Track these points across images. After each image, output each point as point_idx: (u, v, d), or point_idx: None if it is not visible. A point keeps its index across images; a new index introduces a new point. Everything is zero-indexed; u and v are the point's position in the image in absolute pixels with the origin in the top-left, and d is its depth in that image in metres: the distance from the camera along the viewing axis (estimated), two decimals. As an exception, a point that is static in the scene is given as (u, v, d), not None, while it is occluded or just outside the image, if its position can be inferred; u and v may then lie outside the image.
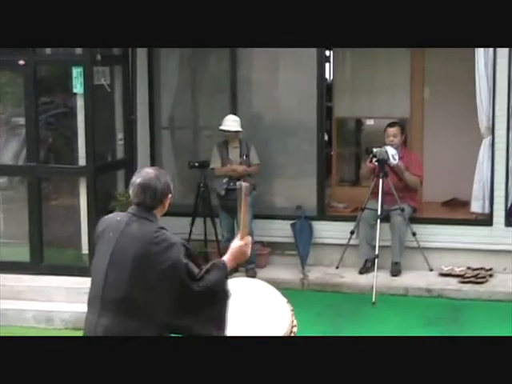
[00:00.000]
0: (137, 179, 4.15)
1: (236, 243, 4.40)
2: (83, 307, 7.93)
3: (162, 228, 4.13)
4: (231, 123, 9.06)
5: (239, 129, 9.10)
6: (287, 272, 9.20)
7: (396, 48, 9.86)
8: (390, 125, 9.44)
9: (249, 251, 4.44)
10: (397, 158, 9.01)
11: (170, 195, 4.22)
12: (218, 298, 4.15)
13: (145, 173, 4.18)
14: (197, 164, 9.30)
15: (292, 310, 4.79)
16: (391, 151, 8.96)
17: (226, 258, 4.36)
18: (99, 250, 4.17)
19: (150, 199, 4.13)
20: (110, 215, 4.34)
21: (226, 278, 4.22)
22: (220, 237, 9.31)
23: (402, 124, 9.63)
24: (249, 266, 8.96)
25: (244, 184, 4.54)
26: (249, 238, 4.42)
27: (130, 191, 4.20)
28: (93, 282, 4.20)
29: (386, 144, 9.16)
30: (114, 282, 4.03)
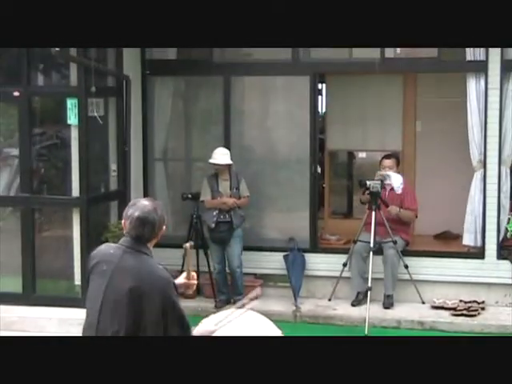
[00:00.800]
0: (135, 212, 4.13)
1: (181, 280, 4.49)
2: (75, 339, 8.02)
3: (155, 262, 4.15)
4: (220, 156, 9.08)
5: (229, 162, 9.12)
6: (280, 304, 9.18)
7: (388, 79, 10.00)
8: (386, 156, 9.49)
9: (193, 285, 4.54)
10: (401, 186, 9.10)
11: (164, 226, 4.24)
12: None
13: (142, 206, 4.16)
14: (190, 195, 9.31)
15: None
16: (398, 179, 9.05)
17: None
18: (93, 283, 4.15)
19: (149, 233, 4.13)
20: (103, 247, 4.31)
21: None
22: (212, 268, 9.32)
23: (397, 156, 9.66)
24: (237, 297, 8.97)
25: (188, 244, 4.74)
26: (193, 275, 4.51)
27: (126, 223, 4.18)
28: (87, 314, 4.19)
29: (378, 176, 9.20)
30: (109, 315, 4.03)
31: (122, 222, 4.22)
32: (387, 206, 9.04)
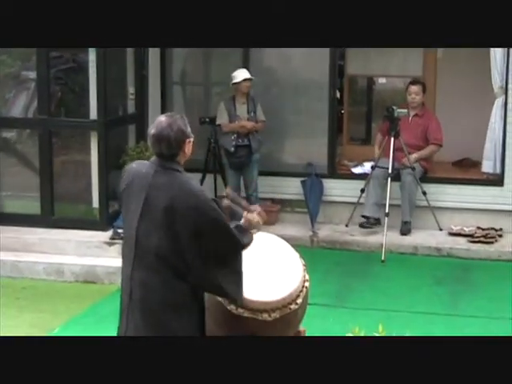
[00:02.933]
0: (151, 130, 4.13)
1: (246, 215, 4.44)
2: (93, 260, 8.16)
3: (188, 178, 4.13)
4: (244, 73, 8.98)
5: (250, 76, 8.99)
6: (297, 229, 9.21)
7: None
8: (413, 82, 9.39)
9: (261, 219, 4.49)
10: None
11: (187, 140, 4.15)
12: (238, 252, 4.18)
13: (158, 122, 4.14)
14: (208, 120, 9.26)
15: (304, 265, 4.81)
16: None
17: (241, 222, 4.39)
18: (128, 204, 4.15)
19: (166, 149, 4.10)
20: (134, 165, 4.30)
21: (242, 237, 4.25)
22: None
23: (424, 83, 9.54)
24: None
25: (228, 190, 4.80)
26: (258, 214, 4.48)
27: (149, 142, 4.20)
28: (125, 236, 4.21)
29: (398, 103, 9.14)
30: (147, 234, 4.04)
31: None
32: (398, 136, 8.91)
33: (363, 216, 8.98)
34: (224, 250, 4.11)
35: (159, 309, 4.06)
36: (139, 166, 4.26)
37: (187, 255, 4.00)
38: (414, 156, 9.11)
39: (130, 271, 4.09)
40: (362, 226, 9.01)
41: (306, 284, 4.71)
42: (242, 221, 4.41)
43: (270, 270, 4.67)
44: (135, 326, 4.09)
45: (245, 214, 4.45)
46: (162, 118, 4.16)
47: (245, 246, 4.24)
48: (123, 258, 4.20)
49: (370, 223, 8.95)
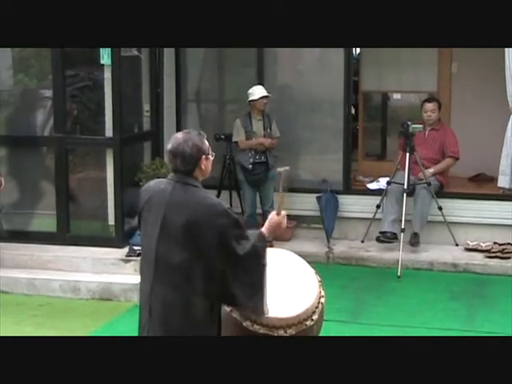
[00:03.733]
0: (168, 145, 4.18)
1: (273, 216, 4.43)
2: (109, 278, 8.16)
3: (206, 193, 4.17)
4: (261, 90, 9.00)
5: (267, 94, 9.01)
6: (312, 245, 9.20)
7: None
8: (428, 100, 9.39)
9: (285, 223, 4.48)
10: None
11: (204, 156, 4.17)
12: (259, 265, 4.19)
13: (174, 138, 4.19)
14: (223, 136, 9.29)
15: (320, 281, 4.81)
16: None
17: (263, 229, 4.37)
18: (147, 220, 4.18)
19: (181, 164, 4.13)
20: (152, 183, 4.33)
21: (265, 246, 4.25)
22: (244, 210, 9.32)
23: (438, 100, 9.53)
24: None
25: (283, 169, 4.73)
26: (284, 213, 4.46)
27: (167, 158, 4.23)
28: (144, 252, 4.22)
29: (413, 118, 9.14)
30: (166, 250, 4.06)
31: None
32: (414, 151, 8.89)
33: (381, 232, 8.93)
34: (245, 262, 4.12)
35: (180, 326, 4.08)
36: (156, 183, 4.29)
37: (211, 267, 4.02)
38: (431, 171, 9.09)
39: (150, 288, 4.11)
40: (378, 240, 8.95)
41: (322, 300, 4.71)
42: (267, 224, 4.41)
43: (285, 286, 4.67)
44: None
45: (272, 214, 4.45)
46: (179, 135, 4.21)
47: (264, 255, 4.23)
48: (141, 274, 4.22)
49: (388, 237, 8.91)
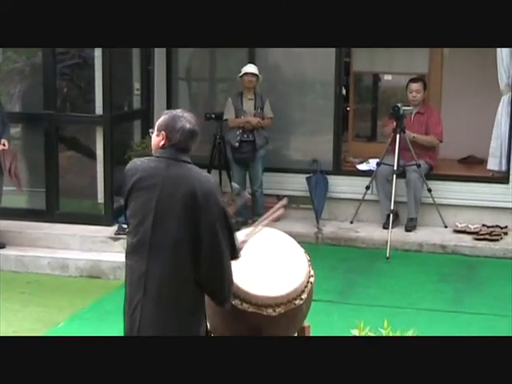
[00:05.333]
0: (186, 124, 4.15)
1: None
2: (98, 255, 8.16)
3: (199, 169, 4.19)
4: (252, 68, 9.01)
5: (257, 72, 9.01)
6: (302, 226, 9.20)
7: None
8: (413, 80, 9.38)
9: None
10: None
11: None
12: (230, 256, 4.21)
13: (190, 118, 4.20)
14: (213, 115, 9.27)
15: (309, 261, 4.81)
16: None
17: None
18: (139, 200, 4.12)
19: (193, 144, 4.20)
20: (138, 162, 4.24)
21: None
22: (231, 189, 9.32)
23: (424, 80, 9.54)
24: (256, 217, 9.02)
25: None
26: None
27: (171, 135, 4.14)
28: (136, 231, 4.13)
29: (403, 100, 9.14)
30: (165, 227, 4.04)
31: (163, 133, 4.16)
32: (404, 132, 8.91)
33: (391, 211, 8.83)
34: (225, 242, 4.13)
35: (175, 304, 4.07)
36: (144, 162, 4.23)
37: (203, 244, 4.02)
38: (413, 135, 9.05)
39: (145, 266, 4.08)
40: (385, 227, 8.93)
41: (311, 279, 4.71)
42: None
43: (274, 264, 4.67)
44: (150, 321, 4.09)
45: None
46: (188, 114, 4.24)
47: (237, 252, 4.26)
48: (133, 253, 4.15)
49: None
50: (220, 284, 4.12)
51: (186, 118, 4.19)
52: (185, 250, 4.03)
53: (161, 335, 4.03)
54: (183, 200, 4.02)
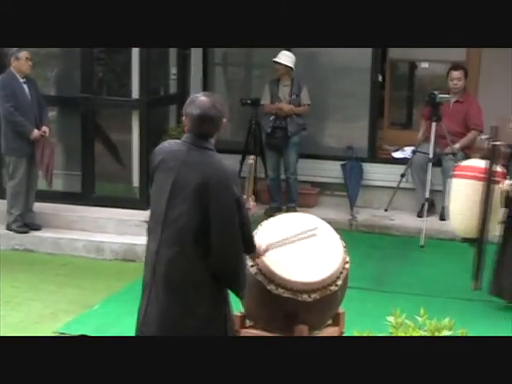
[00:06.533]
0: (195, 110, 4.13)
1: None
2: (133, 239, 8.20)
3: (220, 157, 4.17)
4: (285, 58, 8.99)
5: (290, 65, 9.01)
6: (336, 213, 9.19)
7: None
8: (454, 67, 9.29)
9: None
10: None
11: (224, 119, 4.23)
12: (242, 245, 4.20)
13: (201, 102, 4.14)
14: (249, 101, 9.27)
15: (344, 247, 4.81)
16: None
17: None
18: (159, 181, 4.19)
19: (210, 129, 4.15)
20: (166, 144, 4.33)
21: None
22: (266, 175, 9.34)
23: (465, 68, 9.45)
24: (290, 204, 9.08)
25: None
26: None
27: (186, 120, 4.19)
28: (153, 212, 4.23)
29: (440, 88, 9.07)
30: (176, 211, 4.07)
31: (183, 118, 4.22)
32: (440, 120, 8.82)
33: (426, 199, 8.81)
34: (236, 232, 4.12)
35: (182, 286, 4.10)
36: (171, 145, 4.29)
37: (212, 232, 4.02)
38: (457, 146, 9.02)
39: (157, 247, 4.13)
40: (419, 216, 8.92)
41: (347, 266, 4.71)
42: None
43: (310, 250, 4.67)
44: (158, 301, 4.14)
45: None
46: (204, 98, 4.18)
47: (249, 246, 4.27)
48: (149, 233, 4.23)
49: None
50: (232, 274, 4.15)
51: (196, 103, 4.15)
52: (193, 235, 4.05)
53: (165, 318, 4.09)
54: (196, 186, 4.03)
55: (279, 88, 9.16)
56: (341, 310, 4.84)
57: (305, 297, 4.44)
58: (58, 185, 9.13)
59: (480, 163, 6.86)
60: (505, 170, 6.80)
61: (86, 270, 7.80)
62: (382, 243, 8.62)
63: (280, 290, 4.42)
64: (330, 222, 5.13)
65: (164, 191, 4.12)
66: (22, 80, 8.23)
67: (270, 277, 4.39)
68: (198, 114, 4.12)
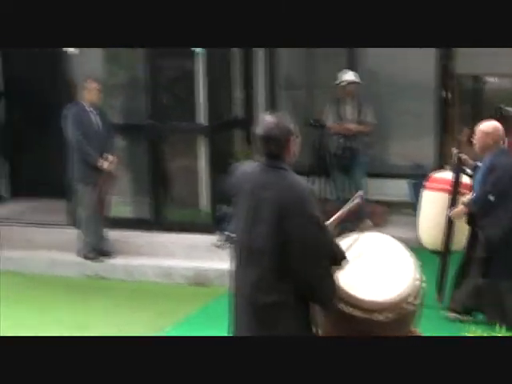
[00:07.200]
0: (258, 130, 4.16)
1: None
2: (202, 263, 8.22)
3: (295, 176, 4.15)
4: (350, 76, 8.99)
5: (357, 80, 9.00)
6: (404, 231, 9.05)
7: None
8: None
9: None
10: None
11: (293, 137, 4.17)
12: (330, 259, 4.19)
13: (264, 123, 4.17)
14: (314, 122, 9.28)
15: (417, 264, 4.74)
16: None
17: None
18: (237, 204, 4.22)
19: (275, 149, 4.13)
20: (242, 167, 4.37)
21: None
22: (333, 196, 9.29)
23: None
24: (359, 223, 9.01)
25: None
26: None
27: (256, 142, 4.22)
28: (236, 236, 4.25)
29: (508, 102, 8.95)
30: (256, 233, 4.07)
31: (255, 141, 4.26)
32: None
33: None
34: (319, 252, 4.09)
35: (267, 307, 4.08)
36: (246, 167, 4.32)
37: (292, 252, 4.01)
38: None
39: (240, 270, 4.15)
40: None
41: (420, 283, 4.65)
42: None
43: (381, 268, 4.62)
44: (246, 324, 4.14)
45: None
46: (268, 118, 4.20)
47: (337, 259, 4.24)
48: (233, 257, 4.26)
49: None
50: (315, 292, 4.12)
51: (260, 124, 4.18)
52: (273, 257, 4.03)
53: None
54: (273, 208, 4.03)
55: (343, 108, 9.15)
56: (415, 328, 4.77)
57: (378, 316, 4.39)
58: (128, 211, 9.24)
59: (449, 175, 6.79)
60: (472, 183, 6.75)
61: (157, 294, 7.87)
62: (452, 262, 8.48)
63: (353, 310, 4.38)
64: (399, 241, 5.07)
65: (243, 214, 4.15)
66: (90, 109, 8.37)
67: (344, 297, 4.36)
68: (262, 134, 4.15)
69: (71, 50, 8.98)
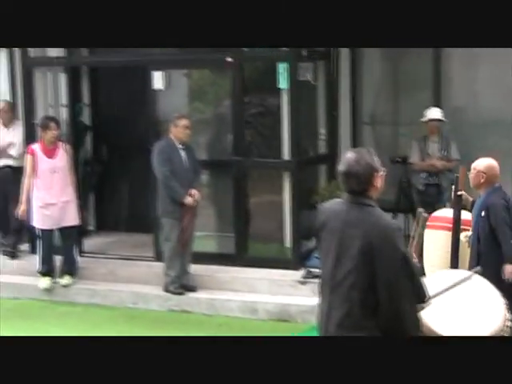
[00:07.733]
0: (340, 167, 4.19)
1: None
2: (286, 299, 8.25)
3: (381, 213, 4.14)
4: (435, 113, 8.98)
5: (441, 117, 8.98)
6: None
7: None
8: None
9: None
10: None
11: (376, 173, 4.15)
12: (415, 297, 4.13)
13: (346, 159, 4.18)
14: (399, 159, 9.26)
15: (505, 304, 4.69)
16: None
17: None
18: (324, 242, 4.23)
19: (356, 185, 4.13)
20: (328, 204, 4.39)
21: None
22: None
23: None
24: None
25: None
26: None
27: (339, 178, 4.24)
28: (322, 272, 4.27)
29: None
30: (343, 270, 4.08)
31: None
32: None
33: None
34: (407, 287, 4.06)
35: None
36: (332, 205, 4.33)
37: (379, 290, 4.00)
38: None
39: (326, 308, 4.16)
40: None
41: (509, 323, 4.59)
42: None
43: (470, 308, 4.59)
44: None
45: None
46: (350, 155, 4.21)
47: (422, 299, 4.17)
48: (320, 293, 4.27)
49: None
50: (401, 333, 4.07)
51: (343, 160, 4.19)
52: (360, 295, 4.03)
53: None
54: (360, 245, 4.02)
55: (428, 144, 9.14)
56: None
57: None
58: (212, 246, 9.33)
59: (450, 213, 6.61)
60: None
61: (241, 329, 7.89)
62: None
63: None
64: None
65: (330, 252, 4.15)
66: (179, 146, 8.50)
67: (425, 332, 4.32)
68: (343, 170, 4.16)
69: (158, 86, 9.16)
